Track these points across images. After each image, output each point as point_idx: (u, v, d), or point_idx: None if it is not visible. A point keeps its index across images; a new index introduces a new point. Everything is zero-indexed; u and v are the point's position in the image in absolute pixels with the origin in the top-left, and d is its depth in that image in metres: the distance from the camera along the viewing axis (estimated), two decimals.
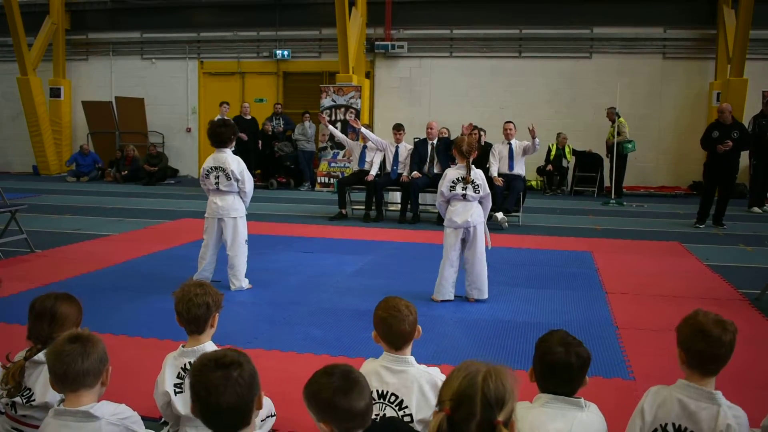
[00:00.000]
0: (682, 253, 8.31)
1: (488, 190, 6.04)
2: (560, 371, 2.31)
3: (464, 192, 5.89)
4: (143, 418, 2.62)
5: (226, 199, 6.21)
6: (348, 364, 2.16)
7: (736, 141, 10.05)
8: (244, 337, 4.70)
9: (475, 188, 5.90)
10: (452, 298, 5.99)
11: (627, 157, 14.08)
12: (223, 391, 1.93)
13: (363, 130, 11.28)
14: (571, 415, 2.28)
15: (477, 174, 5.94)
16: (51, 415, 2.39)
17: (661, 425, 2.46)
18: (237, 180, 6.16)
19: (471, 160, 5.92)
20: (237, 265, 6.25)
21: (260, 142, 15.60)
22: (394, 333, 2.77)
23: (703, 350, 2.40)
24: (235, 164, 6.17)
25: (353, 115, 14.63)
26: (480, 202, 5.99)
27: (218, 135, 6.15)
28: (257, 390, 2.02)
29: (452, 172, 5.96)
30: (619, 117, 13.73)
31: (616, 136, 13.66)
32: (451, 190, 5.91)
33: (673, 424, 2.43)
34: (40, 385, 2.73)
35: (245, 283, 6.30)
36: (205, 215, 6.33)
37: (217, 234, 6.27)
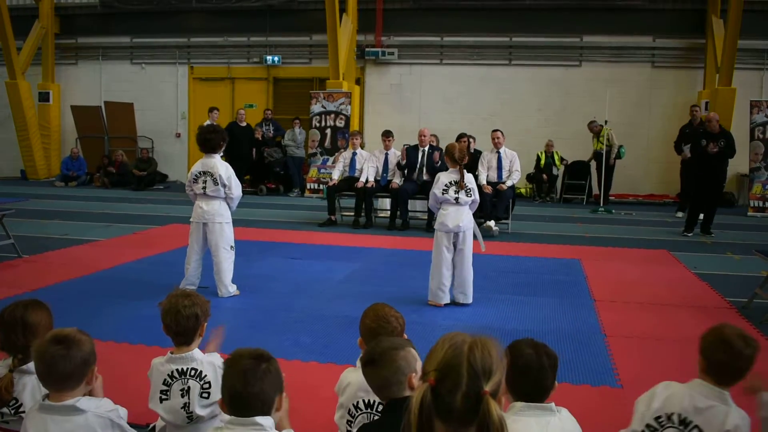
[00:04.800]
0: (670, 261, 8.34)
1: (478, 197, 6.16)
2: (533, 373, 2.34)
3: (457, 196, 5.94)
4: (131, 425, 2.60)
5: (212, 204, 6.20)
6: (401, 342, 2.41)
7: (721, 149, 10.10)
8: (233, 344, 4.61)
9: (468, 192, 5.97)
10: (448, 301, 6.02)
11: (615, 165, 14.39)
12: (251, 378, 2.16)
13: None
14: (544, 420, 2.30)
15: (470, 179, 6.05)
16: (36, 408, 2.39)
17: (666, 414, 2.53)
18: (224, 186, 6.17)
19: (463, 165, 6.01)
20: (223, 271, 6.22)
21: (254, 150, 15.58)
22: None
23: (723, 360, 2.51)
24: (224, 170, 6.19)
25: None
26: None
27: (208, 141, 6.18)
28: (281, 389, 2.26)
29: (445, 176, 6.03)
30: (602, 126, 14.20)
31: (606, 144, 13.96)
32: (443, 194, 5.96)
33: (679, 415, 2.51)
34: (28, 395, 2.70)
35: (232, 289, 6.28)
36: (191, 220, 6.32)
37: (202, 239, 6.26)
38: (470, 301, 6.07)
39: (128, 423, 2.56)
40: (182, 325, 2.86)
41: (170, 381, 2.88)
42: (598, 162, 14.20)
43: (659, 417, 2.54)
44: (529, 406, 2.32)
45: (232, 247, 6.30)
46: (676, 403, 2.53)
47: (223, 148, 6.32)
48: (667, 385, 2.61)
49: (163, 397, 2.88)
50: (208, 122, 13.97)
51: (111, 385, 3.71)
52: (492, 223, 10.07)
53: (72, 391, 2.38)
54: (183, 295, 2.93)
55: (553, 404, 2.34)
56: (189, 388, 2.86)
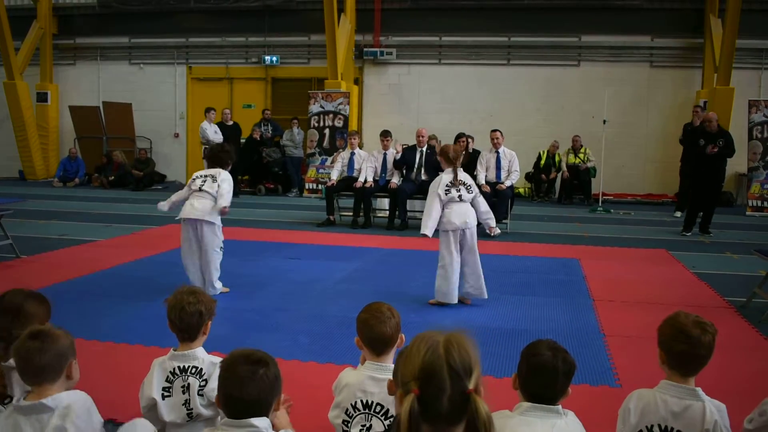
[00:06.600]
0: (668, 261, 8.34)
1: (477, 189, 6.20)
2: (546, 374, 2.31)
3: (459, 193, 5.97)
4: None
5: (205, 203, 6.19)
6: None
7: (720, 149, 10.12)
8: (231, 344, 4.60)
9: (467, 188, 6.01)
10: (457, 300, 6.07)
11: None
12: (248, 384, 2.15)
13: None
14: (550, 422, 2.28)
15: (464, 175, 6.10)
16: (11, 407, 2.43)
17: (646, 427, 2.48)
18: (218, 186, 6.20)
19: (458, 164, 6.06)
20: (212, 271, 6.23)
21: (244, 144, 15.56)
22: (375, 335, 2.75)
23: (683, 351, 2.46)
24: (224, 174, 6.30)
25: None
26: (472, 204, 6.07)
27: (218, 158, 6.42)
28: (279, 392, 2.25)
29: (446, 176, 6.06)
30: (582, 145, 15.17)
31: (585, 161, 15.01)
32: (446, 194, 5.97)
33: (659, 425, 2.46)
34: (18, 391, 2.70)
35: (219, 286, 6.31)
36: (181, 217, 6.22)
37: (194, 237, 6.22)
38: (486, 295, 6.09)
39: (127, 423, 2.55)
40: (186, 322, 2.88)
41: (172, 378, 2.90)
42: (571, 174, 15.11)
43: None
44: (535, 406, 2.31)
45: (221, 248, 6.33)
46: (652, 414, 2.48)
47: (229, 167, 6.46)
48: (639, 396, 2.56)
49: (166, 393, 2.89)
50: (206, 123, 14.06)
51: (110, 385, 3.72)
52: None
53: (51, 384, 2.42)
54: (189, 291, 2.96)
55: (560, 406, 2.33)
56: (189, 385, 2.88)
